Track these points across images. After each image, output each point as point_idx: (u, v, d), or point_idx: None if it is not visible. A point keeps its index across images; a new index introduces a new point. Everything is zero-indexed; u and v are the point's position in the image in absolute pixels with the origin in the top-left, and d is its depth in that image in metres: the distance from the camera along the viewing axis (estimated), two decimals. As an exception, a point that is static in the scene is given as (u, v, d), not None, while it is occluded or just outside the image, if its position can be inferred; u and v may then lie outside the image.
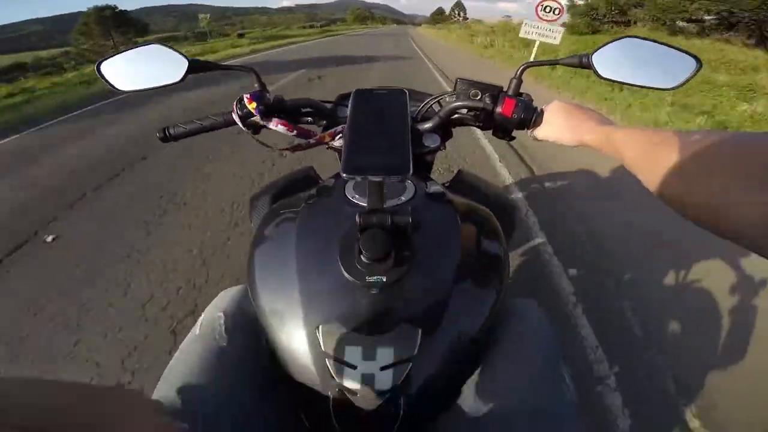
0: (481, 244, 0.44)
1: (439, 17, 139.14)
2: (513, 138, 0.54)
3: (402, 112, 0.37)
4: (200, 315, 0.46)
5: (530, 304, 0.47)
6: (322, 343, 0.33)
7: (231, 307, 0.44)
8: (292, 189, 0.62)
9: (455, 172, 0.70)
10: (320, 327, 0.34)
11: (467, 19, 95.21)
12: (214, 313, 0.45)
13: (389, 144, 0.34)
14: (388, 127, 0.36)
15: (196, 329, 0.44)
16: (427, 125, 0.53)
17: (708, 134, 0.28)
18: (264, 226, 0.46)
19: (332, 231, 0.40)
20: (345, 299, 0.35)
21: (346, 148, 0.34)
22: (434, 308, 0.36)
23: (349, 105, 0.39)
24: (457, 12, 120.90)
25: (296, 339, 0.36)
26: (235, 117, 0.52)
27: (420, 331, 0.33)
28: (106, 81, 0.50)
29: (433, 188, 0.49)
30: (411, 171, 0.31)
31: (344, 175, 0.32)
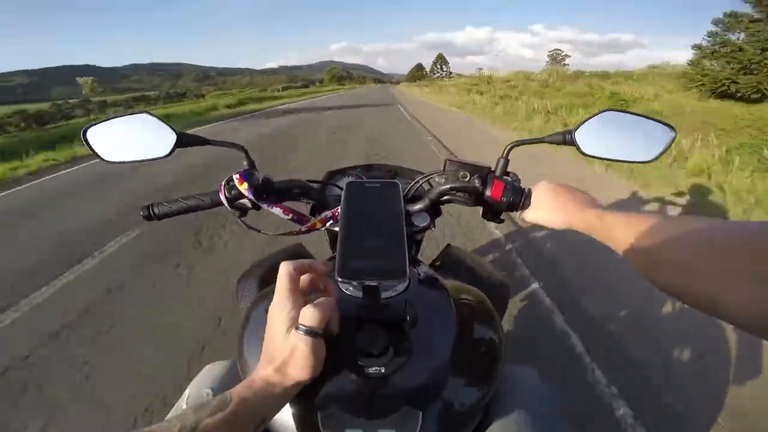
0: (475, 326, 0.46)
1: (418, 74, 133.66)
2: (502, 220, 0.56)
3: (396, 209, 0.39)
4: (185, 389, 0.46)
5: (530, 372, 0.50)
6: (321, 426, 0.34)
7: (218, 383, 0.45)
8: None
9: (443, 247, 0.74)
10: (318, 412, 0.34)
11: (451, 74, 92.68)
12: (200, 388, 0.45)
13: (384, 245, 0.35)
14: (382, 226, 0.37)
15: (182, 404, 0.43)
16: (417, 206, 0.56)
17: (702, 223, 0.29)
18: (253, 310, 0.47)
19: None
20: (344, 387, 0.35)
21: (340, 251, 0.35)
22: (434, 391, 0.37)
23: (342, 199, 0.41)
24: (440, 66, 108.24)
25: (292, 421, 0.36)
26: (222, 198, 0.52)
27: (421, 413, 0.34)
28: (92, 149, 0.50)
29: (425, 273, 0.51)
30: (407, 274, 0.33)
31: (339, 279, 0.33)
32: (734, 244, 0.25)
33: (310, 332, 0.32)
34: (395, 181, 0.43)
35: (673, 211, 2.78)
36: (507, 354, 0.45)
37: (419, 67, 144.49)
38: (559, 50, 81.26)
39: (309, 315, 0.32)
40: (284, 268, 0.34)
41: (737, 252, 0.24)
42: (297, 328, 0.32)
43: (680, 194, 3.07)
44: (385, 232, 0.37)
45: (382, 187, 0.42)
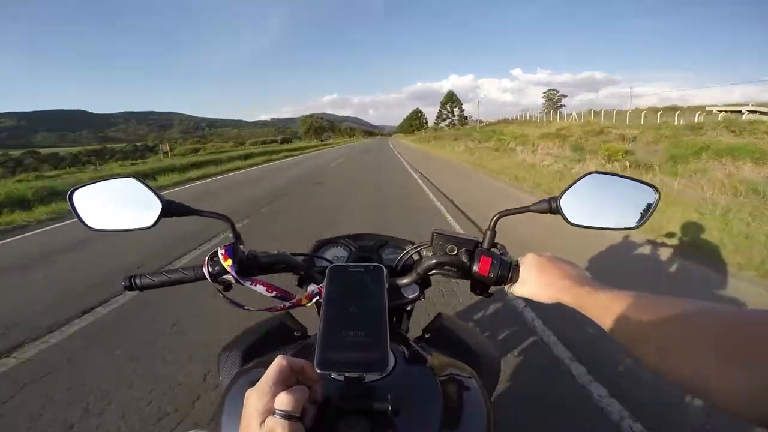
0: (463, 406, 0.47)
1: (416, 122, 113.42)
2: (491, 295, 0.58)
3: (379, 295, 0.41)
4: None
5: None
6: None
7: None
8: (266, 343, 0.65)
9: (434, 316, 0.76)
10: None
11: (466, 120, 75.23)
12: None
13: (365, 337, 0.37)
14: (364, 316, 0.39)
15: None
16: (406, 280, 0.59)
17: (690, 305, 0.31)
18: (233, 386, 0.48)
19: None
20: None
21: (320, 342, 0.37)
22: None
23: (324, 285, 0.43)
24: (449, 110, 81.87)
25: None
26: (205, 273, 0.53)
27: None
28: (76, 213, 0.53)
29: (411, 352, 0.52)
30: (389, 367, 0.35)
31: (318, 370, 0.35)
32: (723, 330, 0.27)
33: (287, 416, 0.32)
34: (379, 265, 0.46)
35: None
36: (494, 423, 0.46)
37: (416, 115, 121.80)
38: (555, 90, 73.54)
39: (284, 400, 0.33)
40: (281, 361, 0.35)
41: (726, 338, 0.26)
42: (273, 414, 0.33)
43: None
44: (366, 323, 0.39)
45: (365, 271, 0.45)
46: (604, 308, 0.39)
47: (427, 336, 0.69)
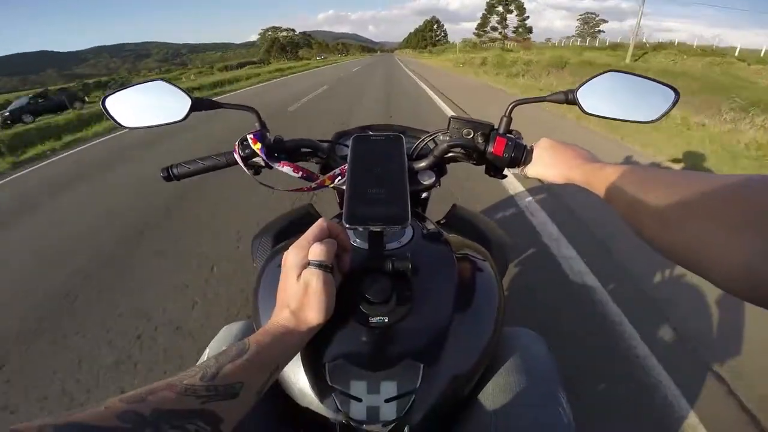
0: (476, 281, 0.53)
1: (429, 35, 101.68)
2: (505, 176, 0.63)
3: (399, 160, 0.47)
4: (204, 349, 0.53)
5: (528, 332, 0.57)
6: (328, 378, 0.39)
7: (237, 341, 0.51)
8: (293, 228, 0.73)
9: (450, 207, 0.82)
10: (326, 364, 0.40)
11: (514, 34, 58.11)
12: (219, 347, 0.53)
13: (388, 194, 0.42)
14: (386, 176, 0.45)
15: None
16: (422, 164, 0.63)
17: (696, 175, 0.32)
18: (267, 266, 0.55)
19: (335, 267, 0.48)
20: (350, 338, 0.42)
21: (347, 199, 0.42)
22: (434, 343, 0.43)
23: (349, 152, 0.49)
24: (502, 16, 58.50)
25: (303, 374, 0.43)
26: (237, 157, 0.60)
27: (422, 365, 0.39)
28: (111, 117, 0.60)
29: (430, 228, 0.58)
30: (409, 220, 0.40)
31: (346, 225, 0.40)
32: (729, 197, 0.27)
33: (320, 265, 0.38)
34: (399, 134, 0.51)
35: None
36: (505, 312, 0.51)
37: (429, 26, 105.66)
38: (593, 14, 66.81)
39: (317, 250, 0.38)
40: (322, 222, 0.41)
41: (732, 205, 0.26)
42: (308, 265, 0.38)
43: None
44: (388, 182, 0.44)
45: (386, 140, 0.50)
46: (609, 182, 0.41)
47: (442, 222, 0.77)
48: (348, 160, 0.48)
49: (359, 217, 0.40)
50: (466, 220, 0.77)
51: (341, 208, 0.75)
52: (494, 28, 63.64)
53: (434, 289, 0.47)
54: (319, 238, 0.40)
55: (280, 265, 0.41)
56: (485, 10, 62.98)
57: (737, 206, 0.26)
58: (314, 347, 0.42)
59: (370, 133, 0.73)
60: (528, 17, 61.48)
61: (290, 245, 0.39)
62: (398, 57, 57.30)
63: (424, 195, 0.73)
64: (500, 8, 62.17)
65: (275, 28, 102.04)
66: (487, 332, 0.48)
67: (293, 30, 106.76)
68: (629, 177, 0.39)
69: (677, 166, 3.49)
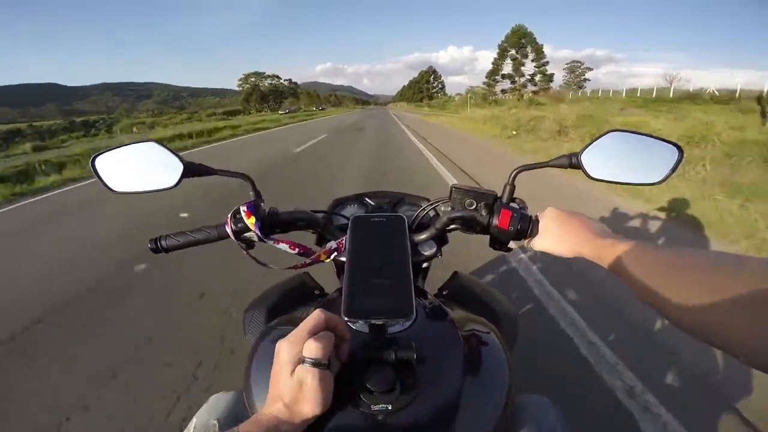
0: (483, 358, 0.51)
1: (426, 87, 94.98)
2: (510, 249, 0.61)
3: (402, 246, 0.45)
4: (191, 418, 0.52)
5: (541, 400, 0.56)
6: None
7: (225, 413, 0.52)
8: (287, 301, 0.71)
9: (450, 274, 0.80)
10: None
11: (549, 83, 48.18)
12: (207, 418, 0.52)
13: (391, 284, 0.41)
14: (388, 264, 0.43)
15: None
16: (423, 236, 0.62)
17: (717, 257, 0.33)
18: (260, 342, 0.53)
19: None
20: (350, 424, 0.40)
21: (346, 290, 0.41)
22: (442, 426, 0.41)
23: (348, 234, 0.48)
24: (518, 61, 49.63)
25: None
26: (228, 231, 0.58)
27: None
28: (100, 178, 0.58)
29: (432, 305, 0.57)
30: (414, 313, 0.38)
31: (345, 318, 0.39)
32: (757, 285, 0.28)
33: (316, 364, 0.37)
34: (401, 215, 0.50)
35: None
36: (516, 385, 0.50)
37: (426, 78, 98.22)
38: (578, 62, 60.34)
39: (312, 346, 0.37)
40: (319, 315, 0.39)
41: (760, 295, 0.27)
42: (303, 362, 0.37)
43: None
44: (391, 271, 0.43)
45: (387, 221, 0.49)
46: (623, 261, 0.40)
47: (444, 293, 0.75)
48: (347, 245, 0.47)
49: (359, 311, 0.40)
50: (469, 289, 0.76)
51: (339, 280, 0.74)
52: (509, 76, 52.24)
53: (440, 373, 0.45)
54: (315, 332, 0.39)
55: (274, 342, 0.40)
56: (496, 55, 52.19)
57: (762, 290, 0.27)
58: (311, 427, 0.39)
59: (368, 201, 0.76)
60: (548, 62, 49.65)
61: (284, 322, 0.37)
62: (392, 111, 53.23)
63: (424, 265, 0.72)
64: (514, 52, 51.05)
65: (258, 74, 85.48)
66: (497, 410, 0.46)
67: (278, 77, 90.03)
68: (647, 257, 0.39)
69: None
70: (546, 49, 50.58)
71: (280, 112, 57.05)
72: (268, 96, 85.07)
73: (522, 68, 50.96)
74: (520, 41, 50.35)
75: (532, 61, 50.88)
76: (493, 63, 53.24)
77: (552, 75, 50.49)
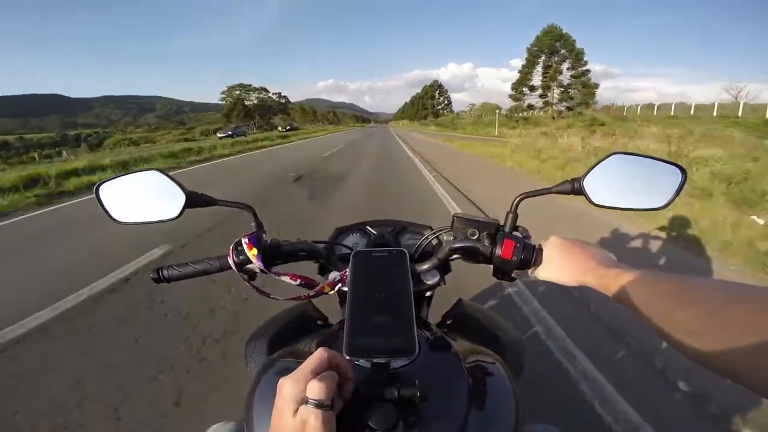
0: (489, 391, 0.51)
1: (430, 103, 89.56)
2: (514, 279, 0.61)
3: (404, 282, 0.46)
4: None
5: (548, 429, 0.55)
6: None
7: None
8: (290, 332, 0.71)
9: (454, 302, 0.80)
10: None
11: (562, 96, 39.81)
12: None
13: (393, 322, 0.41)
14: (390, 301, 0.44)
15: None
16: (426, 265, 0.63)
17: (726, 286, 0.33)
18: (263, 376, 0.53)
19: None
20: None
21: (348, 328, 0.41)
22: None
23: (349, 270, 0.48)
24: (554, 69, 39.22)
25: None
26: (231, 263, 0.59)
27: None
28: (103, 208, 0.59)
29: (435, 337, 0.56)
30: (417, 352, 0.38)
31: (347, 357, 0.39)
32: (755, 314, 0.28)
33: (319, 405, 0.37)
34: (402, 249, 0.50)
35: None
36: (523, 416, 0.50)
37: (430, 93, 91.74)
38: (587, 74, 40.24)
39: (316, 387, 0.37)
40: (323, 354, 0.39)
41: (758, 321, 0.28)
42: (306, 403, 0.37)
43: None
44: (393, 308, 0.43)
45: (389, 256, 0.49)
46: (627, 290, 0.41)
47: (448, 323, 0.75)
48: (348, 281, 0.47)
49: (361, 349, 0.40)
50: (473, 318, 0.76)
51: (341, 308, 0.74)
52: (543, 86, 41.76)
53: (444, 408, 0.45)
54: (319, 371, 0.39)
55: (276, 375, 0.40)
56: (524, 61, 41.97)
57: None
58: None
59: (370, 230, 0.76)
60: (588, 71, 39.00)
61: (287, 354, 0.36)
62: (394, 130, 48.79)
63: (428, 293, 0.72)
64: (544, 57, 40.61)
65: (243, 86, 75.14)
66: None
67: (265, 90, 79.27)
68: (655, 287, 0.39)
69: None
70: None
71: (279, 128, 48.90)
72: (254, 112, 74.61)
73: (559, 77, 40.75)
74: (553, 44, 40.05)
75: (568, 69, 40.62)
76: (520, 72, 43.97)
77: (597, 86, 39.46)
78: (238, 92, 74.31)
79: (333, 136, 33.72)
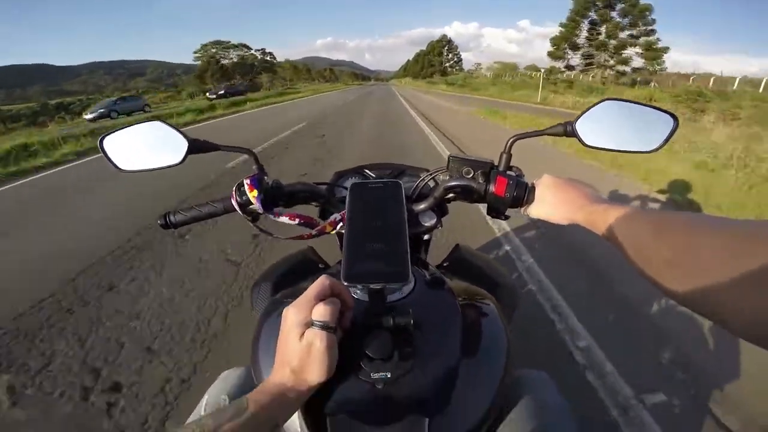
0: (482, 328, 0.54)
1: (438, 59, 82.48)
2: (507, 217, 0.63)
3: (399, 211, 0.48)
4: (203, 395, 0.54)
5: (537, 374, 0.57)
6: None
7: (235, 389, 0.55)
8: (293, 276, 0.75)
9: (452, 246, 0.83)
10: (328, 421, 0.40)
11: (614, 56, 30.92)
12: (217, 395, 0.55)
13: (388, 249, 0.44)
14: (386, 229, 0.46)
15: (200, 410, 0.53)
16: (423, 205, 0.65)
17: (704, 218, 0.32)
18: (267, 316, 0.57)
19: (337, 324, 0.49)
20: (352, 394, 0.42)
21: (345, 255, 0.43)
22: (440, 396, 0.43)
23: (347, 201, 0.50)
24: (615, 24, 28.62)
25: (305, 429, 0.43)
26: (234, 204, 0.61)
27: (427, 420, 0.40)
28: (108, 159, 0.62)
29: (432, 275, 0.59)
30: (409, 277, 0.41)
31: (344, 282, 0.41)
32: (742, 244, 0.27)
33: (324, 327, 0.39)
34: (398, 181, 0.52)
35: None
36: (514, 358, 0.52)
37: (437, 50, 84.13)
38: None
39: (321, 310, 0.39)
40: (325, 280, 0.41)
41: (745, 255, 0.26)
42: (312, 325, 0.39)
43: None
44: (388, 235, 0.45)
45: (385, 187, 0.51)
46: (616, 226, 0.41)
47: (445, 265, 0.78)
48: (346, 212, 0.49)
49: (358, 275, 0.42)
50: (469, 262, 0.79)
51: (342, 251, 0.77)
52: (599, 44, 33.61)
53: (438, 341, 0.47)
54: (322, 297, 0.41)
55: (280, 315, 0.42)
56: (571, 13, 33.85)
57: (758, 256, 0.25)
58: (315, 404, 0.42)
59: (368, 173, 0.78)
60: (654, 30, 30.36)
61: (290, 295, 0.40)
62: (397, 89, 42.16)
63: (426, 236, 0.75)
64: (599, 4, 32.18)
65: (219, 43, 66.37)
66: (494, 381, 0.48)
67: (246, 46, 69.61)
68: (638, 220, 0.39)
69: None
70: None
71: (209, 95, 35.97)
72: (233, 71, 66.17)
73: (618, 31, 31.55)
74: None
75: (631, 25, 31.36)
76: (563, 26, 34.92)
77: (666, 49, 30.13)
78: (214, 50, 67.26)
79: (317, 99, 24.95)
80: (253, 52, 72.04)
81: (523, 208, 0.60)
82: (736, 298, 0.26)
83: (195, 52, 65.80)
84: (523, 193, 0.58)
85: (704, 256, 0.29)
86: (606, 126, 0.58)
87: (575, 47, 35.59)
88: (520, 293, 0.79)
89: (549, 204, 0.56)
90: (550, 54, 36.80)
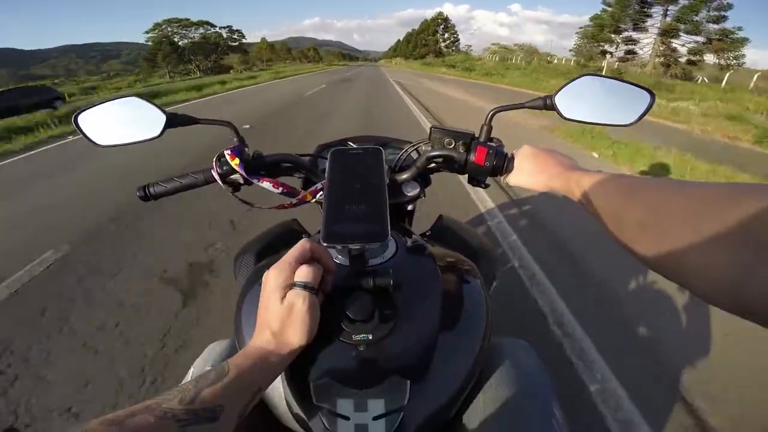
0: (462, 293, 0.55)
1: (431, 39, 77.59)
2: (487, 185, 0.66)
3: (379, 174, 0.48)
4: (189, 368, 0.55)
5: (517, 342, 0.59)
6: (314, 397, 0.40)
7: (221, 360, 0.54)
8: (276, 246, 0.75)
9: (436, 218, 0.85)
10: (311, 383, 0.41)
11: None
12: (203, 366, 0.56)
13: (367, 209, 0.44)
14: (365, 191, 0.47)
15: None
16: (406, 175, 0.67)
17: (674, 181, 0.33)
18: (250, 285, 0.57)
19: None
20: (334, 356, 0.43)
21: (325, 217, 0.44)
22: (421, 358, 0.45)
23: (327, 167, 0.51)
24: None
25: (289, 393, 0.44)
26: (215, 174, 0.62)
27: (409, 381, 0.40)
28: (84, 134, 0.61)
29: (414, 241, 0.60)
30: (389, 236, 0.41)
31: (324, 243, 0.42)
32: (707, 205, 0.27)
33: (306, 287, 0.39)
34: (378, 147, 0.53)
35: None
36: (493, 323, 0.54)
37: (432, 28, 78.86)
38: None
39: (304, 271, 0.39)
40: (306, 243, 0.42)
41: (711, 215, 0.26)
42: (294, 287, 0.39)
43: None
44: (367, 197, 0.45)
45: (365, 153, 0.52)
46: (589, 191, 0.43)
47: (428, 233, 0.80)
48: (326, 176, 0.50)
49: (337, 236, 0.42)
50: (452, 231, 0.81)
51: None
52: (641, 20, 29.44)
53: (418, 304, 0.49)
54: (303, 260, 0.41)
55: (261, 284, 0.42)
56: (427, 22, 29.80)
57: (724, 218, 0.25)
58: (298, 367, 0.43)
59: (352, 145, 0.77)
60: (726, 17, 26.16)
61: (273, 263, 0.40)
62: (388, 72, 33.18)
63: (409, 207, 0.76)
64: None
65: (177, 21, 57.16)
66: (474, 345, 0.50)
67: (210, 24, 61.16)
68: (610, 185, 0.41)
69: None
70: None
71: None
72: (188, 52, 58.11)
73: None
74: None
75: (716, 9, 26.08)
76: (609, 5, 30.48)
77: (746, 40, 25.75)
78: (170, 30, 58.17)
79: (267, 88, 17.31)
80: (218, 29, 63.51)
81: (502, 177, 0.62)
82: (699, 259, 0.26)
83: (146, 32, 57.01)
84: (502, 163, 0.61)
85: (671, 218, 0.30)
86: (584, 100, 0.60)
87: (617, 31, 31.23)
88: (500, 263, 0.81)
89: (527, 172, 0.58)
90: (591, 38, 32.29)
